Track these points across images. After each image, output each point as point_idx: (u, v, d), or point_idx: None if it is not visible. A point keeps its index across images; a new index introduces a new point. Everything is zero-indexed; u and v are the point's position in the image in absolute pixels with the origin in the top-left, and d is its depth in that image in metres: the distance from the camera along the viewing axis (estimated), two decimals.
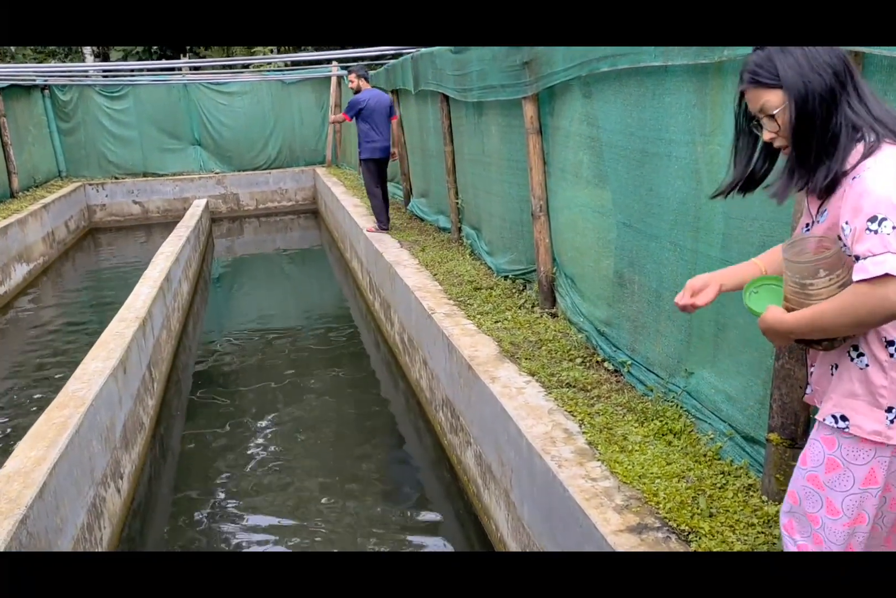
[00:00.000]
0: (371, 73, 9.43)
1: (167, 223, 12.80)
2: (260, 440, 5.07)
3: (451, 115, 6.93)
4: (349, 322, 8.00)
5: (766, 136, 1.71)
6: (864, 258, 1.50)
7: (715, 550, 2.26)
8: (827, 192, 1.64)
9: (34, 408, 5.52)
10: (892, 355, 1.62)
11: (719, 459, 2.79)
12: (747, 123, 1.77)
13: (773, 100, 1.64)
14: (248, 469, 4.66)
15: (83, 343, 6.95)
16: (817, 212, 1.71)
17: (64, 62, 21.88)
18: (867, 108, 1.62)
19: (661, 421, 3.08)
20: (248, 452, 4.90)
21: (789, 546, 1.82)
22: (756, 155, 1.79)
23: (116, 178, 14.34)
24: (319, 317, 8.18)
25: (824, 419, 1.70)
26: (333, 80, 14.37)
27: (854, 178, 1.56)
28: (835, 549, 1.71)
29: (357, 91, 7.81)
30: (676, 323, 3.24)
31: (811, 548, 1.75)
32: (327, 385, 6.01)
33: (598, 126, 3.89)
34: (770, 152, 1.78)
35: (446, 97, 6.81)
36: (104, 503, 3.75)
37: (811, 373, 1.83)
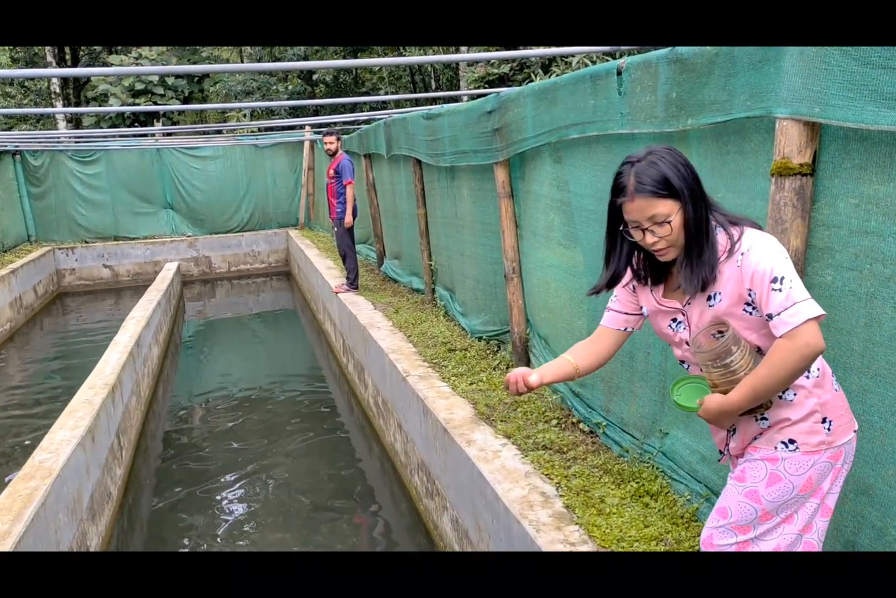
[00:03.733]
0: (343, 137, 9.64)
1: (138, 286, 12.72)
2: (231, 509, 4.95)
3: (423, 178, 7.09)
4: (322, 385, 7.93)
5: (649, 239, 1.86)
6: (778, 314, 1.74)
7: None
8: (711, 284, 1.85)
9: None
10: (807, 377, 1.87)
11: (696, 520, 2.79)
12: (615, 227, 1.93)
13: (665, 208, 1.81)
14: (218, 540, 4.53)
15: (49, 410, 6.80)
16: (686, 303, 1.93)
17: (36, 127, 22.08)
18: (718, 211, 1.89)
19: (637, 483, 3.08)
20: (218, 521, 4.77)
21: None
22: (624, 256, 1.99)
23: (87, 242, 14.30)
24: (292, 380, 8.11)
25: (775, 448, 1.87)
26: (307, 144, 14.65)
27: (742, 255, 1.80)
28: (762, 545, 1.88)
29: (334, 153, 7.96)
30: (650, 384, 3.28)
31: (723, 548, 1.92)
32: (300, 449, 5.92)
33: (569, 190, 4.02)
34: (630, 253, 1.99)
35: (419, 161, 6.98)
36: None
37: (728, 436, 2.00)
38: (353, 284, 8.10)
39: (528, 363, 4.79)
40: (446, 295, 6.66)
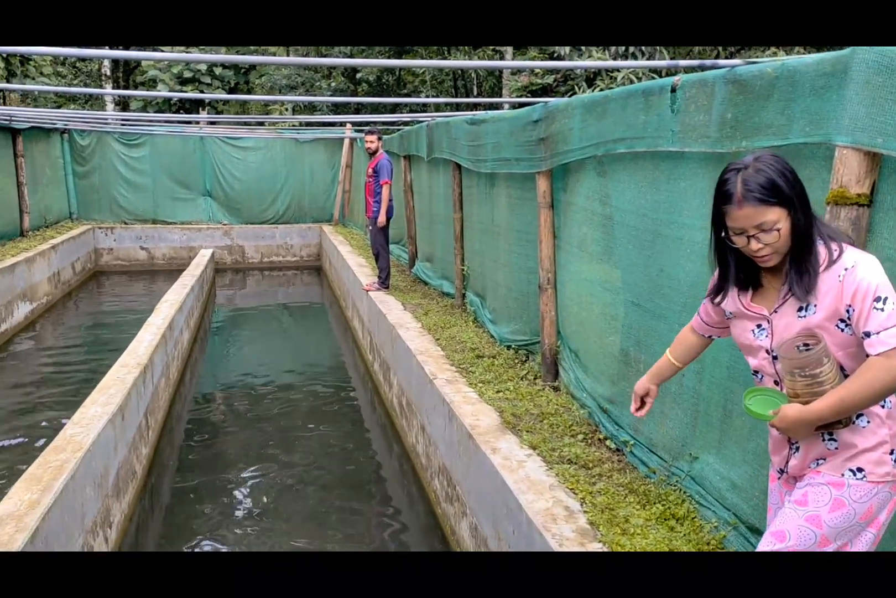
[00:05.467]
0: (384, 137, 9.69)
1: (172, 271, 12.89)
2: (248, 497, 5.00)
3: (462, 183, 7.11)
4: (346, 381, 7.98)
5: (754, 246, 1.86)
6: (877, 333, 1.75)
7: None
8: (811, 293, 1.86)
9: (28, 449, 5.45)
10: (883, 406, 1.88)
11: (723, 548, 2.77)
12: (721, 235, 1.94)
13: (774, 216, 1.82)
14: (234, 526, 4.58)
15: (79, 385, 6.92)
16: (773, 311, 1.94)
17: (84, 108, 22.45)
18: (820, 222, 1.90)
19: (663, 505, 3.07)
20: (236, 508, 4.82)
21: None
22: (734, 263, 2.00)
23: (126, 223, 14.53)
24: (316, 374, 8.17)
25: (842, 474, 1.88)
26: (346, 141, 14.75)
27: (846, 270, 1.80)
28: None
29: (374, 152, 8.01)
30: (682, 406, 3.27)
31: None
32: (319, 444, 5.96)
33: (611, 205, 4.01)
34: (740, 263, 1.98)
35: (459, 166, 7.00)
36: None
37: (789, 454, 2.00)
38: (384, 283, 8.14)
39: (556, 376, 4.78)
40: (477, 301, 6.67)
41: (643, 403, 2.32)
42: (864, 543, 1.87)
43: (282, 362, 8.68)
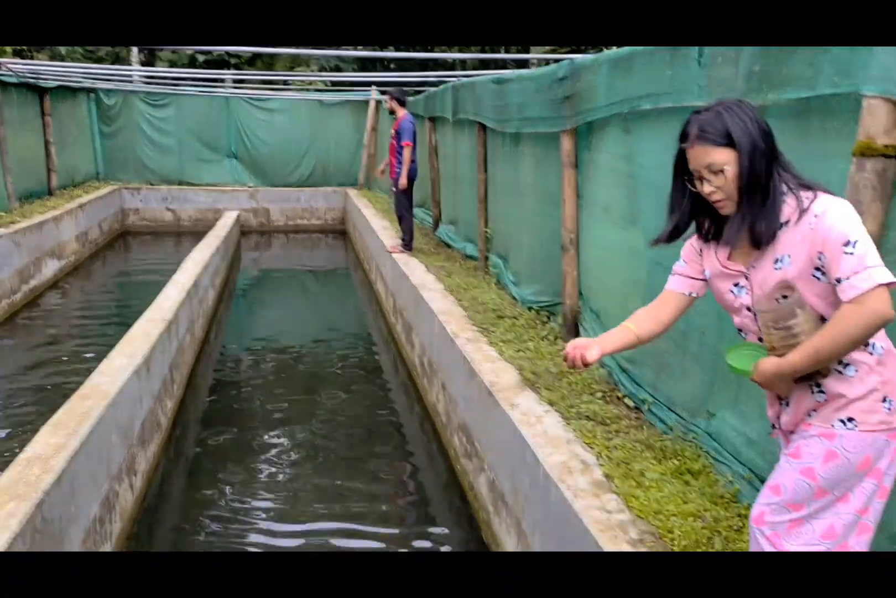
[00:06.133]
0: (409, 99, 9.59)
1: (197, 232, 12.95)
2: (268, 454, 5.08)
3: (487, 144, 7.04)
4: (369, 342, 8.04)
5: (706, 189, 1.89)
6: (847, 278, 1.71)
7: None
8: (766, 243, 1.85)
9: (53, 398, 5.58)
10: (871, 354, 1.84)
11: (737, 502, 2.78)
12: (681, 177, 1.97)
13: (721, 157, 1.84)
14: (256, 480, 4.68)
15: (106, 339, 7.05)
16: (750, 266, 1.93)
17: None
18: (790, 173, 1.88)
19: (679, 460, 3.08)
20: (258, 463, 4.92)
21: (757, 537, 1.94)
22: (686, 207, 2.01)
23: (152, 184, 14.60)
24: (339, 335, 8.24)
25: (832, 425, 1.85)
26: (372, 103, 14.63)
27: (816, 217, 1.78)
28: (815, 523, 1.85)
29: (396, 114, 7.95)
30: (702, 365, 3.25)
31: (782, 536, 1.88)
32: (341, 403, 6.03)
33: (636, 163, 3.96)
34: (695, 206, 1.99)
35: (483, 126, 6.93)
36: (117, 498, 3.78)
37: (780, 409, 1.99)
38: (407, 245, 8.13)
39: (576, 336, 4.78)
40: (500, 263, 6.65)
41: (574, 356, 2.04)
42: (864, 493, 1.84)
43: (306, 324, 8.76)
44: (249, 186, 14.96)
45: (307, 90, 16.39)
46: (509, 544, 3.53)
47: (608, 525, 2.57)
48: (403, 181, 7.84)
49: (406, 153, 7.74)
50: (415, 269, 7.27)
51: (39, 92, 11.68)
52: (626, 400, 3.79)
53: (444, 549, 3.96)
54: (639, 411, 3.68)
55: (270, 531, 4.10)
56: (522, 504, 3.34)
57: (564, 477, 2.92)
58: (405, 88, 8.65)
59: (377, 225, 10.07)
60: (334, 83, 17.51)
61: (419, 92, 9.68)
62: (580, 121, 4.51)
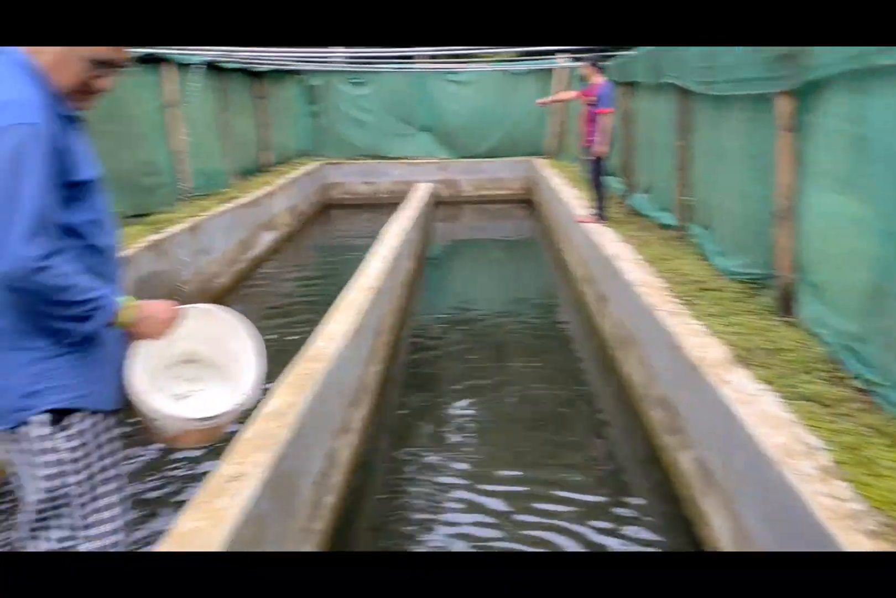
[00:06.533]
0: (603, 64, 9.32)
1: (393, 204, 13.47)
2: (463, 417, 5.27)
3: (687, 108, 6.72)
4: (558, 313, 8.04)
5: None
6: None
7: None
8: None
9: (283, 358, 6.12)
10: None
11: None
12: None
13: None
14: (451, 441, 4.89)
15: (317, 304, 7.65)
16: None
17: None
18: None
19: None
20: (452, 426, 5.12)
21: None
22: None
23: (352, 159, 15.39)
24: (529, 305, 8.30)
25: None
26: (560, 72, 14.38)
27: None
28: None
29: (591, 81, 7.77)
30: None
31: None
32: (532, 373, 6.11)
33: (868, 126, 3.61)
34: None
35: (684, 90, 6.62)
36: (336, 454, 4.09)
37: None
38: (600, 215, 7.99)
39: (791, 311, 4.49)
40: (701, 232, 6.36)
41: None
42: None
43: (495, 294, 8.90)
44: (440, 159, 15.33)
45: (495, 62, 16.40)
46: (718, 524, 3.43)
47: (839, 514, 2.42)
48: (602, 148, 7.67)
49: (607, 120, 7.57)
50: (608, 239, 7.14)
51: (254, 76, 12.62)
52: (852, 381, 3.52)
53: (646, 519, 3.93)
54: (866, 394, 3.41)
55: (471, 487, 4.28)
56: (734, 485, 3.23)
57: (786, 460, 2.78)
58: (596, 55, 8.41)
59: (566, 194, 9.96)
60: (521, 53, 17.37)
61: (605, 58, 9.39)
62: (800, 81, 4.18)
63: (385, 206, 14.28)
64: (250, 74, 12.47)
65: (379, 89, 15.22)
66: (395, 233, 8.19)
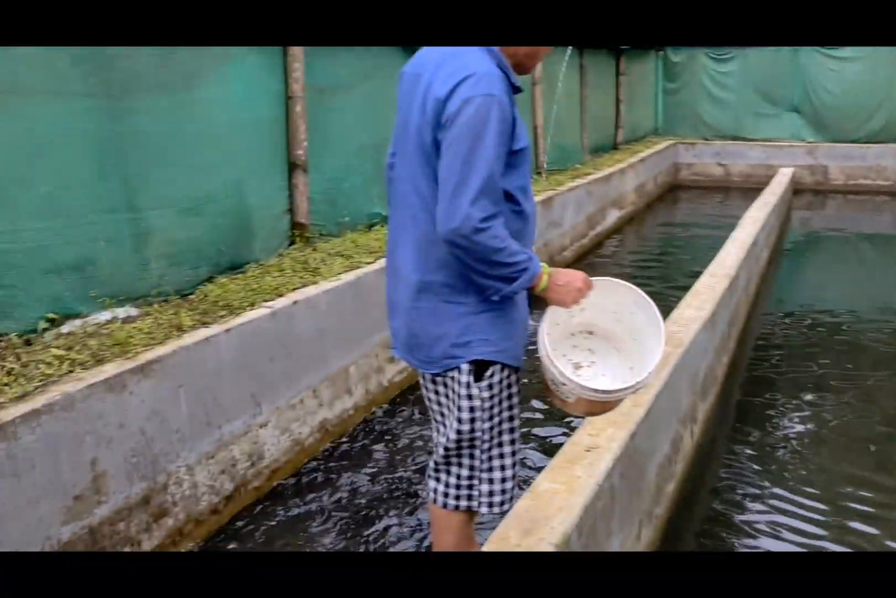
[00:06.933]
0: None
1: (747, 189, 12.66)
2: (799, 422, 4.81)
3: None
4: None
5: None
6: None
7: None
8: None
9: None
10: None
11: None
12: None
13: None
14: (782, 448, 4.48)
15: (659, 285, 7.57)
16: None
17: None
18: None
19: None
20: (785, 430, 4.71)
21: None
22: None
23: (706, 139, 14.67)
24: (894, 310, 7.28)
25: None
26: None
27: None
28: None
29: None
30: None
31: None
32: (884, 383, 5.39)
33: None
34: None
35: None
36: (681, 441, 3.97)
37: None
38: None
39: None
40: None
41: None
42: None
43: (855, 296, 7.93)
44: (808, 142, 13.94)
45: None
46: None
47: None
48: None
49: None
50: None
51: (617, 53, 12.57)
52: None
53: None
54: None
55: (795, 499, 3.91)
56: None
57: None
58: None
59: None
60: None
61: None
62: None
63: (737, 190, 13.46)
64: (611, 50, 12.43)
65: (744, 65, 14.22)
66: (754, 219, 7.65)
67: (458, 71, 1.93)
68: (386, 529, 3.72)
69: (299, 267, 4.86)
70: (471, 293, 2.05)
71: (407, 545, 3.60)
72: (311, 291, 4.49)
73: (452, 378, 2.08)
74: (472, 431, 2.09)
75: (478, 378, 2.08)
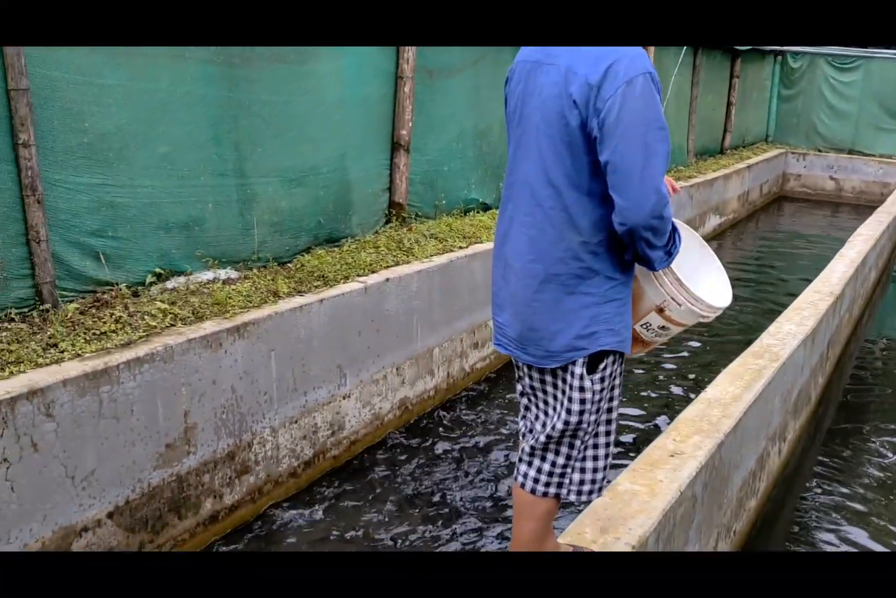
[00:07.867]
0: None
1: (858, 205, 12.09)
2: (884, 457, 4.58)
3: None
4: None
5: None
6: None
7: None
8: None
9: (712, 347, 5.98)
10: None
11: None
12: None
13: None
14: (874, 479, 4.26)
15: (755, 297, 7.27)
16: None
17: None
18: None
19: None
20: (888, 464, 4.48)
21: None
22: None
23: (819, 150, 14.01)
24: None
25: None
26: None
27: None
28: None
29: None
30: None
31: None
32: None
33: None
34: None
35: None
36: (767, 458, 3.83)
37: None
38: None
39: None
40: None
41: None
42: None
43: None
44: None
45: None
46: None
47: None
48: None
49: None
50: None
51: (732, 55, 12.11)
52: None
53: None
54: None
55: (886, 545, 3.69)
56: None
57: None
58: None
59: None
60: None
61: None
62: None
63: (848, 206, 12.85)
64: (727, 51, 11.98)
65: (868, 76, 13.47)
66: (865, 238, 7.27)
67: (606, 53, 1.87)
68: (454, 511, 3.73)
69: (394, 245, 4.90)
70: (598, 283, 2.01)
71: (468, 527, 3.61)
72: (403, 270, 4.52)
73: (565, 369, 2.04)
74: (580, 423, 2.05)
75: (591, 370, 2.03)
